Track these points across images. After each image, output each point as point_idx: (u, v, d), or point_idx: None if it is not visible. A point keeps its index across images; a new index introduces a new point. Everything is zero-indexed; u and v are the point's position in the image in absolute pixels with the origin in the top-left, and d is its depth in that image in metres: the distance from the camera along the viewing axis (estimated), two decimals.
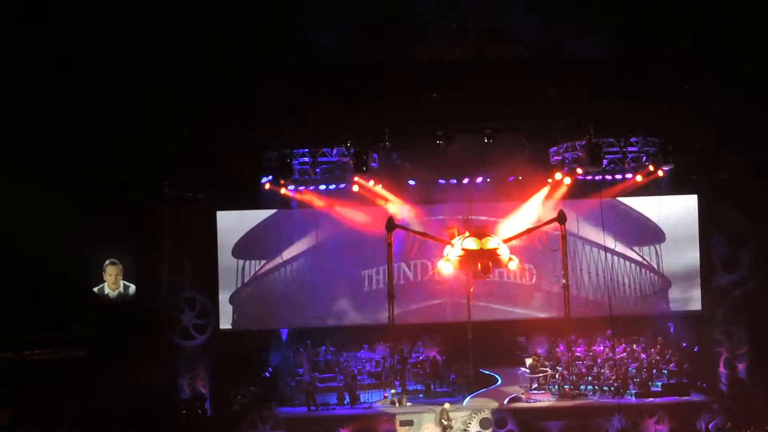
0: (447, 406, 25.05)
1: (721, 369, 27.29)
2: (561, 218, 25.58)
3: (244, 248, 29.15)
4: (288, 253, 29.29)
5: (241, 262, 29.11)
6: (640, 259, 29.40)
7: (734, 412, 24.99)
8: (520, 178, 28.35)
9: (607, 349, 27.84)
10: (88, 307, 26.28)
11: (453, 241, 25.21)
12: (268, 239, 29.30)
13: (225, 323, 28.66)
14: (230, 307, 28.87)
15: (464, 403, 25.71)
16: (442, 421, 24.56)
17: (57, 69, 22.60)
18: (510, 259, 24.70)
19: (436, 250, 26.10)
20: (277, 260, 29.24)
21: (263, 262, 29.27)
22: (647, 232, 29.47)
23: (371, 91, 23.68)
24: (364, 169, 25.75)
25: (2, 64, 22.03)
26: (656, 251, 29.44)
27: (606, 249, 27.11)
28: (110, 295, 27.26)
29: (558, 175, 27.75)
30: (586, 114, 24.72)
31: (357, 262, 28.83)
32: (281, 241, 29.32)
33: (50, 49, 22.18)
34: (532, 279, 26.70)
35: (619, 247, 28.99)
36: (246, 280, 29.17)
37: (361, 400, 26.47)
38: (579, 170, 27.20)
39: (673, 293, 29.24)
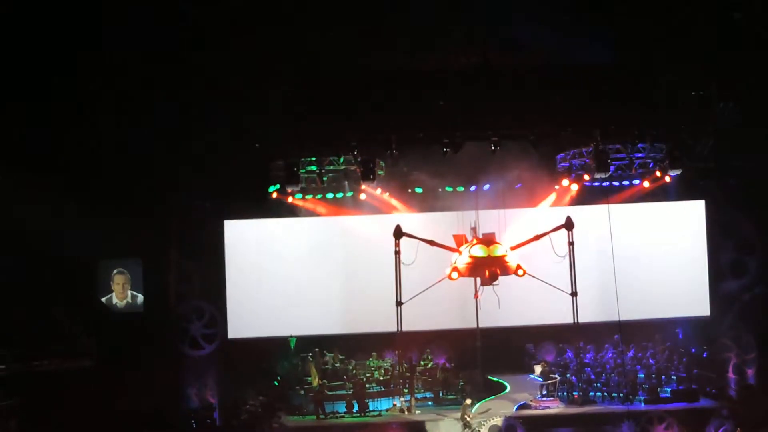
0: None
1: (731, 374, 27.13)
2: (568, 225, 25.65)
3: (267, 261, 29.16)
4: (299, 262, 29.27)
5: (255, 270, 29.10)
6: (647, 265, 29.37)
7: (744, 418, 24.89)
8: (527, 185, 28.37)
9: (615, 356, 27.79)
10: (95, 317, 26.27)
11: (461, 249, 25.32)
12: (281, 248, 29.28)
13: (236, 332, 28.66)
14: (245, 317, 28.88)
15: (473, 410, 25.63)
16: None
17: (63, 75, 22.72)
18: (518, 266, 24.79)
19: (444, 258, 26.07)
20: (290, 269, 29.22)
21: (277, 270, 29.22)
22: (653, 239, 29.45)
23: (378, 99, 23.69)
24: (372, 177, 25.76)
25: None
26: (663, 257, 29.41)
27: (613, 255, 27.04)
28: (118, 304, 27.29)
29: (565, 182, 27.81)
30: (593, 120, 24.71)
31: (366, 270, 28.80)
32: (293, 250, 29.32)
33: (60, 55, 22.29)
34: (539, 286, 26.63)
35: (626, 253, 28.92)
36: (270, 293, 29.14)
37: (370, 408, 26.40)
38: (586, 177, 27.26)
39: (681, 299, 29.18)
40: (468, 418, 24.45)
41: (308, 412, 26.47)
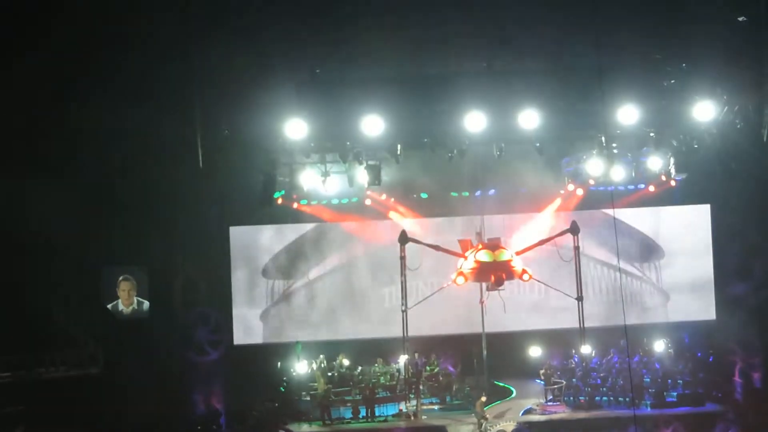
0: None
1: (736, 378, 27.06)
2: (574, 229, 25.62)
3: (272, 268, 29.22)
4: (304, 267, 29.35)
5: (270, 281, 29.21)
6: (652, 269, 29.36)
7: (750, 422, 24.89)
8: (532, 189, 28.35)
9: (621, 360, 27.75)
10: (101, 324, 26.24)
11: (466, 254, 25.27)
12: (286, 254, 29.28)
13: (242, 338, 28.65)
14: (250, 322, 28.92)
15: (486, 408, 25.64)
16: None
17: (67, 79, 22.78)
18: (523, 270, 24.76)
19: (449, 263, 26.07)
20: (303, 279, 29.37)
21: (290, 281, 29.36)
22: (659, 243, 29.43)
23: (382, 103, 23.69)
24: (377, 182, 25.74)
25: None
26: (668, 260, 29.38)
27: (618, 259, 27.06)
28: (124, 311, 27.27)
29: (570, 186, 27.83)
30: (598, 124, 24.67)
31: (371, 276, 28.85)
32: (308, 262, 29.44)
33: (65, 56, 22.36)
34: (544, 290, 26.65)
35: (631, 257, 28.98)
36: (275, 299, 29.20)
37: (376, 414, 26.41)
38: (591, 181, 27.25)
39: (687, 303, 29.16)
40: (483, 415, 24.55)
41: (314, 418, 26.52)
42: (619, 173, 26.62)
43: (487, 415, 24.88)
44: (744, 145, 24.95)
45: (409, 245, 26.07)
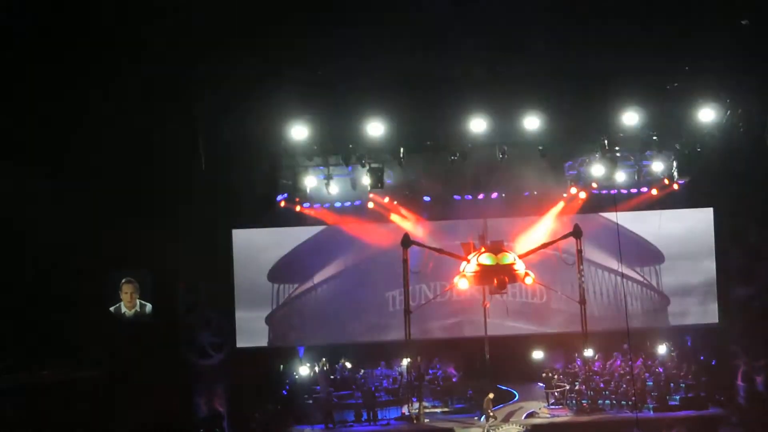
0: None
1: (739, 382, 26.99)
2: (577, 232, 25.63)
3: (278, 272, 29.16)
4: (319, 277, 29.36)
5: (275, 285, 29.18)
6: (655, 272, 29.34)
7: (753, 425, 24.84)
8: (535, 192, 28.39)
9: (623, 364, 27.74)
10: (104, 327, 26.20)
11: (469, 257, 25.27)
12: (300, 263, 29.33)
13: (245, 341, 28.62)
14: (253, 325, 28.86)
15: (482, 420, 25.59)
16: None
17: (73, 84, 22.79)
18: (526, 273, 24.78)
19: (452, 266, 26.06)
20: (309, 283, 29.29)
21: (296, 285, 29.31)
22: (662, 246, 29.39)
23: (385, 107, 23.70)
24: (380, 185, 25.74)
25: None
26: (671, 264, 29.35)
27: (621, 262, 27.04)
28: (126, 314, 27.12)
29: (573, 190, 27.84)
30: (601, 127, 24.69)
31: (374, 279, 28.85)
32: (312, 265, 29.41)
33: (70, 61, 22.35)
34: (547, 294, 26.61)
35: (634, 260, 28.93)
36: (280, 302, 29.17)
37: (379, 417, 26.38)
38: (594, 184, 27.27)
39: (689, 306, 29.10)
40: (491, 412, 24.54)
41: (317, 421, 26.46)
42: (622, 176, 26.70)
43: (491, 412, 24.89)
44: (747, 149, 24.93)
45: (411, 248, 26.10)
